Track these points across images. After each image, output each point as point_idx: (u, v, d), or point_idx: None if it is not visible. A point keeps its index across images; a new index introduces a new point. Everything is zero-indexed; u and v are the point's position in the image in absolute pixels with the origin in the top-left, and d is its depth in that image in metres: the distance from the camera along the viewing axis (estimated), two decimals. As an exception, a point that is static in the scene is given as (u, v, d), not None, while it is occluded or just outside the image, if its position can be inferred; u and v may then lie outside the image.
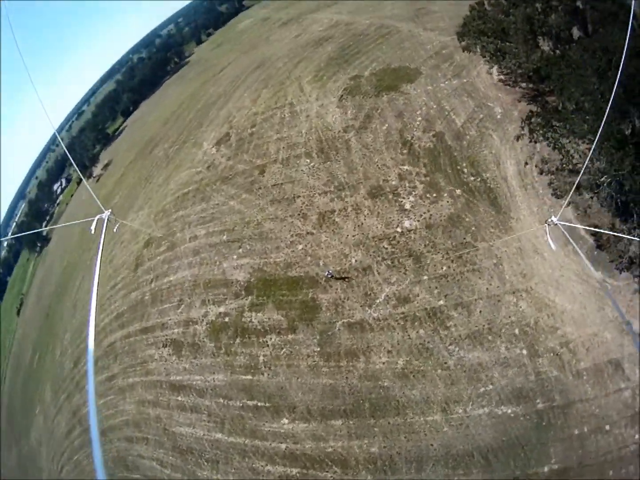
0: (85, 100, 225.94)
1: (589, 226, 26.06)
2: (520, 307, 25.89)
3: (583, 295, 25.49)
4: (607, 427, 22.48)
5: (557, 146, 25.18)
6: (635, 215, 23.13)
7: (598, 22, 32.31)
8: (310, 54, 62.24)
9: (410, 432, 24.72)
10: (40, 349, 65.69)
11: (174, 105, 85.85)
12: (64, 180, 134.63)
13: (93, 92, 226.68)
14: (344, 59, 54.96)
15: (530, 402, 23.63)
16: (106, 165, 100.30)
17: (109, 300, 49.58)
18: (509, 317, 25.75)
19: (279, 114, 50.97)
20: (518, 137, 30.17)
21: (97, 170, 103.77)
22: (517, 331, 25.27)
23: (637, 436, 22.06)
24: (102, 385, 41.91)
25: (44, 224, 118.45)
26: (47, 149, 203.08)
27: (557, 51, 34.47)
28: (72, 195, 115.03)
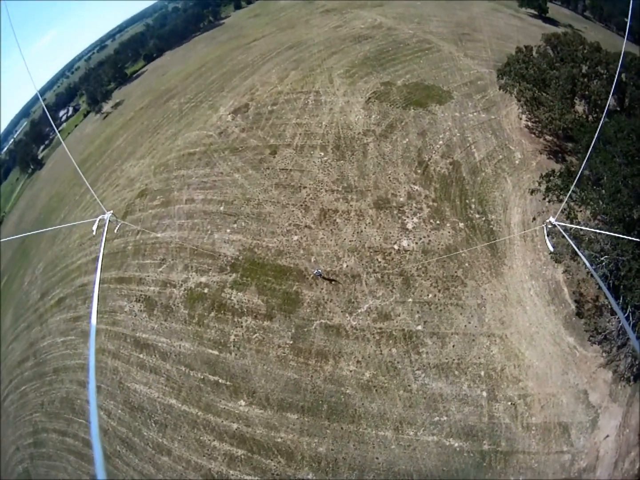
0: (112, 35, 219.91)
1: (575, 290, 26.81)
2: (492, 351, 26.49)
3: (552, 356, 26.22)
4: None
5: (569, 216, 25.58)
6: (622, 298, 23.78)
7: (637, 100, 32.96)
8: (347, 49, 60.83)
9: (360, 441, 25.20)
10: (10, 272, 64.32)
11: (199, 63, 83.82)
12: (70, 109, 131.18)
13: (120, 29, 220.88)
14: (380, 62, 54.16)
15: (478, 441, 24.33)
16: (117, 104, 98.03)
17: (90, 241, 48.81)
18: (479, 358, 26.32)
19: (303, 98, 50.02)
20: (532, 191, 30.41)
21: (106, 107, 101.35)
22: (482, 373, 25.85)
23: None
24: (65, 323, 41.50)
25: (41, 147, 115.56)
26: (62, 74, 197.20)
27: (591, 117, 34.96)
28: (76, 126, 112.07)
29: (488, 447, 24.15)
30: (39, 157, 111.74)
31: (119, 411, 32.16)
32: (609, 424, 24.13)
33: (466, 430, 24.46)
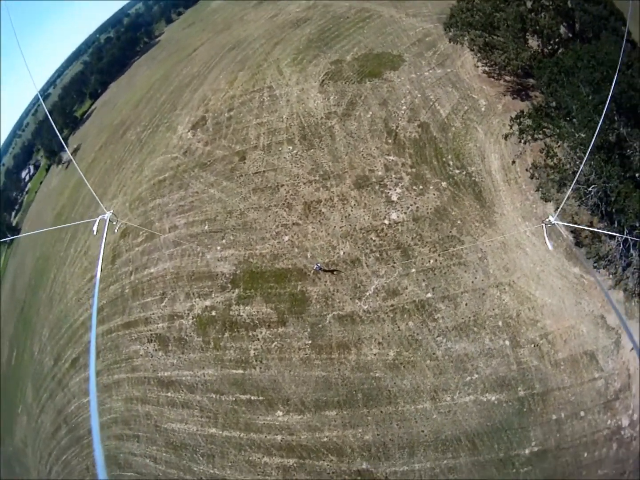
0: (52, 82, 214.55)
1: (570, 222, 26.90)
2: (504, 300, 26.71)
3: (562, 289, 26.51)
4: (582, 413, 24.00)
5: (549, 154, 25.43)
6: (616, 223, 23.96)
7: (588, 24, 32.70)
8: (289, 36, 59.72)
9: (402, 419, 25.55)
10: (18, 346, 63.49)
11: (145, 88, 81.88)
12: (32, 167, 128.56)
13: (59, 74, 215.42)
14: (324, 42, 53.21)
15: (513, 389, 24.76)
16: (75, 150, 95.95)
17: (86, 294, 48.05)
18: (493, 309, 26.55)
19: (257, 97, 49.08)
20: (506, 136, 30.41)
21: (66, 155, 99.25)
22: (500, 323, 26.12)
23: (609, 421, 23.38)
24: (85, 383, 41.02)
25: (12, 213, 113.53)
26: (14, 134, 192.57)
27: (546, 50, 34.66)
28: (41, 183, 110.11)
29: (524, 392, 24.61)
30: (13, 224, 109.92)
31: (164, 454, 32.16)
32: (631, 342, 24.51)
33: (499, 382, 24.88)
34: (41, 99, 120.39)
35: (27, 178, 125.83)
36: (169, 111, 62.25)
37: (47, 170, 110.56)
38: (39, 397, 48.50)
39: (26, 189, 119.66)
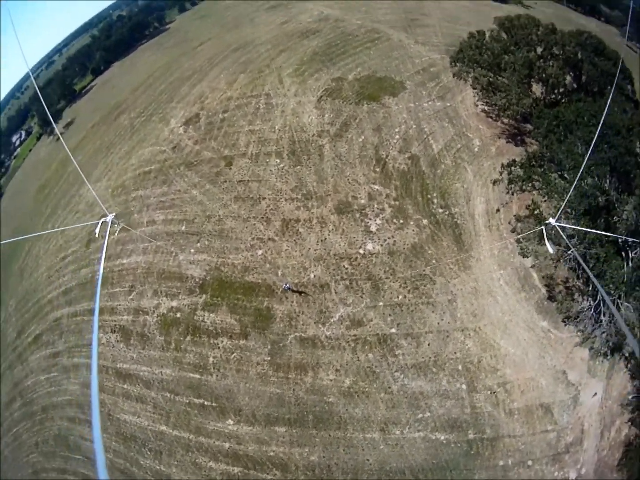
0: (58, 50, 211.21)
1: (545, 275, 27.39)
2: (467, 345, 26.99)
3: (527, 341, 26.91)
4: (530, 462, 24.19)
5: (533, 211, 25.62)
6: (591, 286, 24.39)
7: (595, 78, 33.22)
8: (295, 45, 60.08)
9: (349, 446, 25.66)
10: None
11: (147, 73, 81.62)
12: (23, 133, 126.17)
13: (66, 43, 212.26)
14: (329, 57, 53.47)
15: (463, 431, 24.93)
16: (69, 124, 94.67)
17: (57, 273, 47.64)
18: (455, 353, 26.80)
19: (253, 103, 49.22)
20: (495, 182, 30.55)
21: (58, 127, 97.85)
22: (460, 367, 26.37)
23: (556, 473, 23.71)
24: (45, 360, 40.91)
25: None
26: (12, 96, 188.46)
27: (548, 98, 35.07)
28: (30, 150, 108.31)
29: (473, 435, 24.77)
30: None
31: (113, 443, 31.97)
32: (590, 399, 24.93)
33: (450, 422, 25.05)
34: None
35: (18, 143, 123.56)
36: (165, 102, 62.09)
37: (38, 139, 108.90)
38: (-3, 368, 47.65)
39: (15, 154, 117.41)
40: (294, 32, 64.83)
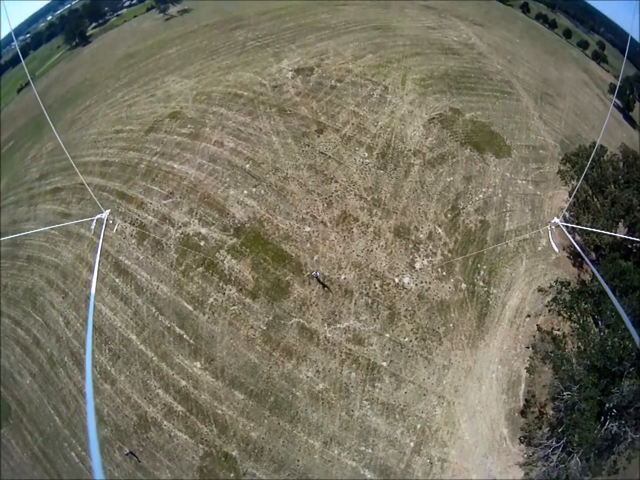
0: None
1: (531, 391, 30.52)
2: (435, 411, 30.01)
3: (483, 437, 29.81)
4: None
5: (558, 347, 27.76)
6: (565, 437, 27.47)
7: None
8: (432, 55, 61.21)
9: (290, 441, 29.07)
10: (17, 140, 65.96)
11: (281, 4, 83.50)
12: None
13: None
14: (458, 85, 54.69)
15: (384, 482, 28.01)
16: (184, 11, 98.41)
17: (105, 141, 50.91)
18: (422, 412, 29.87)
19: (369, 88, 50.83)
20: (540, 289, 33.30)
21: (173, 9, 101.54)
22: (419, 426, 29.46)
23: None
24: (53, 215, 45.20)
25: (92, 25, 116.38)
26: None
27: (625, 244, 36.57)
28: (135, 16, 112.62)
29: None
30: (87, 33, 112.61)
31: (78, 325, 35.41)
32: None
33: (383, 468, 28.20)
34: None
35: (127, 4, 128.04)
36: (286, 40, 64.13)
37: (148, 10, 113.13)
38: (6, 196, 51.58)
39: (119, 12, 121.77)
40: (436, 42, 65.94)
